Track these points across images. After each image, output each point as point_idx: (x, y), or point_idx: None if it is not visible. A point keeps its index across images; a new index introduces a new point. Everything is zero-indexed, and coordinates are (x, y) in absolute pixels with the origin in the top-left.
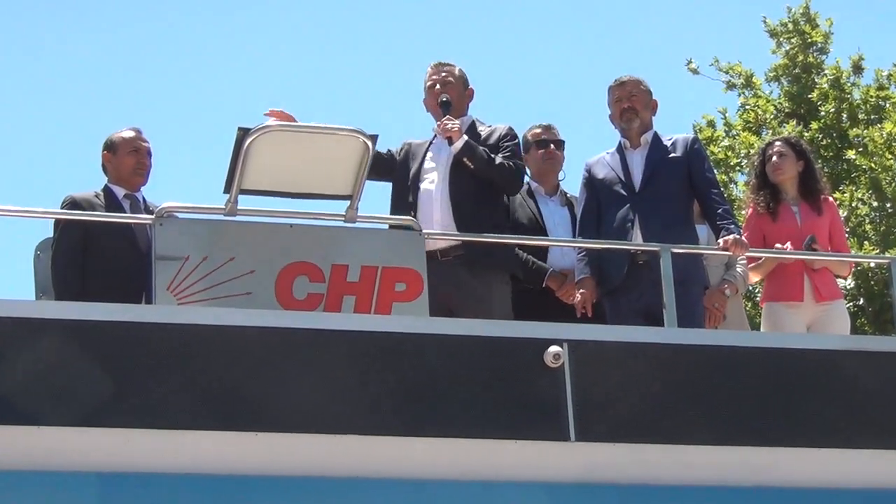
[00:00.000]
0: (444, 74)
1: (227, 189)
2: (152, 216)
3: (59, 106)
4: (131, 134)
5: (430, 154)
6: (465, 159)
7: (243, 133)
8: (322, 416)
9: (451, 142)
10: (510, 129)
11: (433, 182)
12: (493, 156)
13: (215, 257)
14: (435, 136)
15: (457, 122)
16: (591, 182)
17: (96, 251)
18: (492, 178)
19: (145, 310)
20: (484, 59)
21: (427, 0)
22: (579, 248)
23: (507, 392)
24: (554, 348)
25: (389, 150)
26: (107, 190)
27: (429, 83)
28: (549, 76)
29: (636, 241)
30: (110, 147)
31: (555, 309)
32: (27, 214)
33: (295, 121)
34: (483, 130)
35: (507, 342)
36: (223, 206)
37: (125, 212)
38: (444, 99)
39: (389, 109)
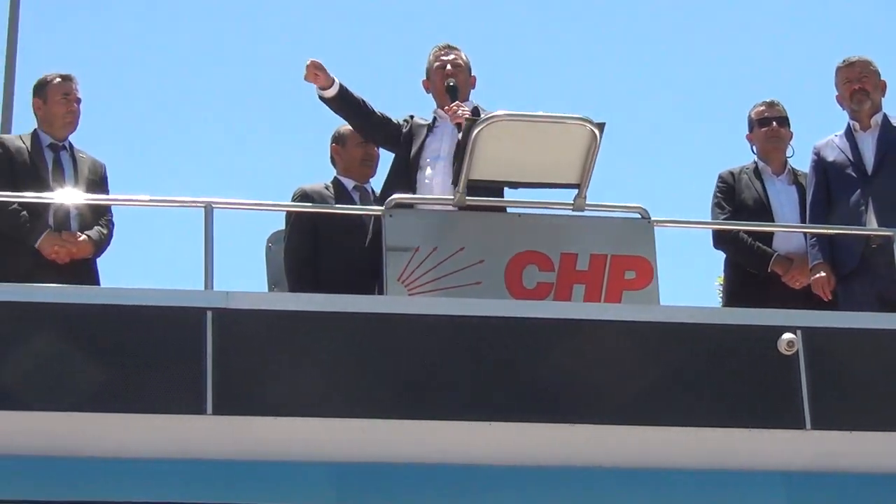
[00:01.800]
0: (452, 57)
1: (456, 180)
2: (382, 207)
3: (288, 99)
4: None
5: (431, 138)
6: None
7: (471, 123)
8: (555, 403)
9: (460, 128)
10: None
11: (433, 168)
12: None
13: (445, 247)
14: (435, 119)
15: (467, 108)
16: (820, 165)
17: (327, 242)
18: None
19: (377, 300)
20: (704, 36)
21: None
22: (810, 233)
23: (742, 380)
24: (788, 335)
25: (397, 121)
26: (336, 182)
27: (437, 64)
28: (774, 56)
29: (870, 226)
30: (339, 139)
31: (782, 294)
32: (259, 207)
33: (324, 69)
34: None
35: (740, 330)
36: (452, 197)
37: (355, 203)
38: (452, 84)
39: None
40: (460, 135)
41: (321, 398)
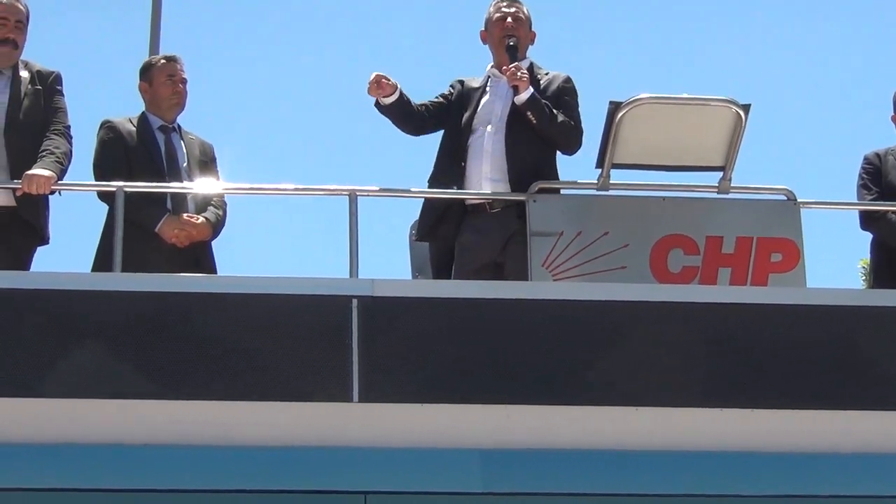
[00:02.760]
0: (514, 10)
1: (600, 163)
2: (525, 193)
3: (429, 85)
4: None
5: (484, 99)
6: (528, 113)
7: (615, 107)
8: (703, 387)
9: (516, 91)
10: (569, 78)
11: (484, 133)
12: (555, 112)
13: (589, 232)
14: (489, 77)
15: (525, 71)
16: None
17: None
18: (552, 136)
19: (523, 286)
20: None
21: None
22: None
23: (891, 361)
24: None
25: (444, 96)
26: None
27: (497, 15)
28: None
29: None
30: None
31: None
32: (403, 194)
33: (387, 79)
34: (541, 77)
35: (886, 311)
36: (596, 181)
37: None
38: (512, 43)
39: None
40: (516, 97)
41: (467, 384)
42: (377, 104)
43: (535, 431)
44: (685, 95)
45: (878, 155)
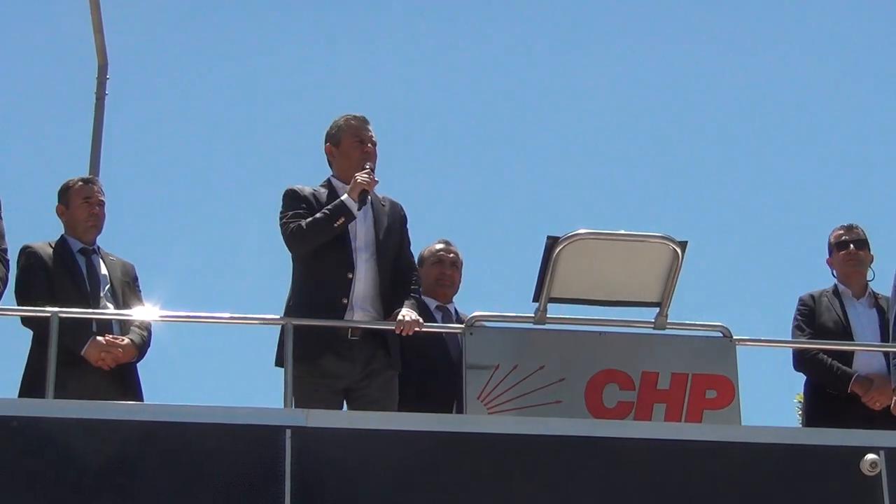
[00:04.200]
0: (371, 134)
1: (537, 297)
2: (462, 325)
3: None
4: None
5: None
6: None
7: (553, 241)
8: None
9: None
10: (402, 207)
11: (359, 263)
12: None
13: (525, 366)
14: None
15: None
16: None
17: (410, 360)
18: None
19: (456, 419)
20: None
21: None
22: (894, 353)
23: (824, 502)
24: (871, 457)
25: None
26: (419, 300)
27: (356, 138)
28: (859, 180)
29: None
30: (419, 261)
31: (861, 416)
32: (339, 324)
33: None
34: (379, 201)
35: (823, 450)
36: (532, 315)
37: (437, 321)
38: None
39: None
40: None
41: None
42: (344, 214)
43: None
44: (622, 231)
45: (812, 297)
